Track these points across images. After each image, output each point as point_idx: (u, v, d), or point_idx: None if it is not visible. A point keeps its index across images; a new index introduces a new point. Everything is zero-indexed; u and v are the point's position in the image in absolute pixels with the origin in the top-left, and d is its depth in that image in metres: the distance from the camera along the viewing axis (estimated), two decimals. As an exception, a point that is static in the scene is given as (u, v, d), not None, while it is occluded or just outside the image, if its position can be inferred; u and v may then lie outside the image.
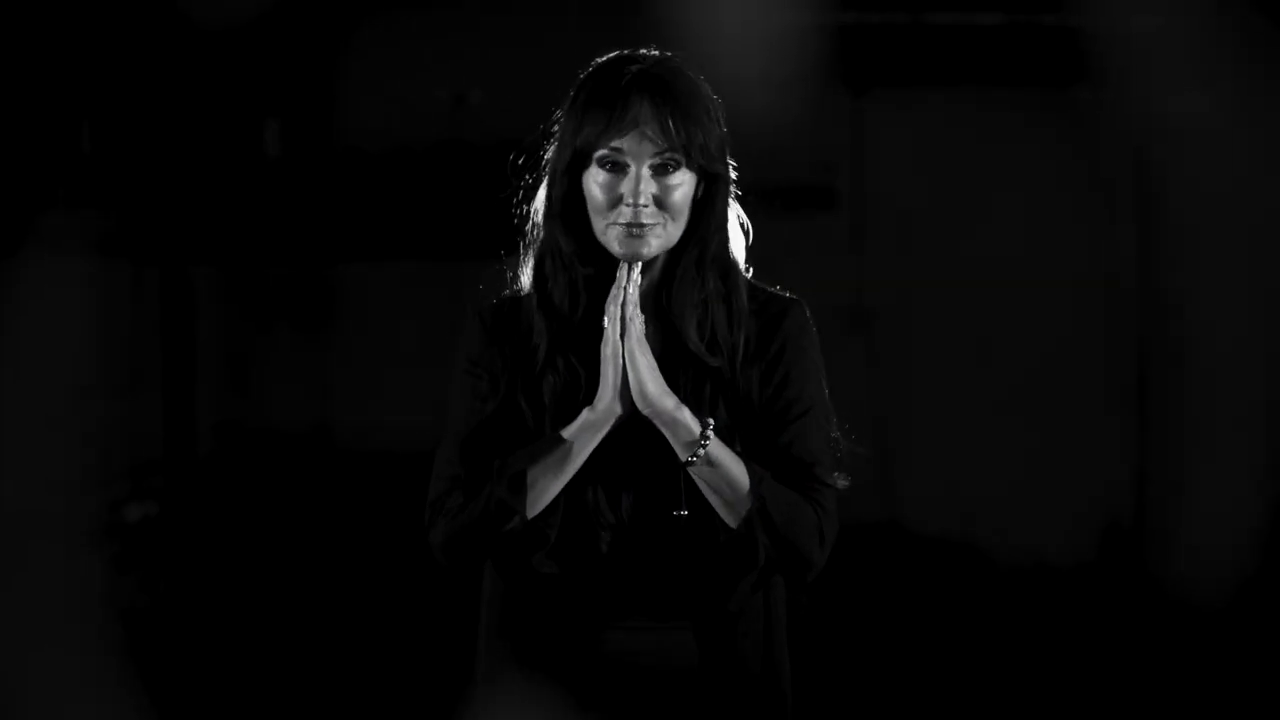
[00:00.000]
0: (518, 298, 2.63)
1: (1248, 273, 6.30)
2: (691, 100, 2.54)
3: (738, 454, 2.53)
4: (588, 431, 2.53)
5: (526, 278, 2.62)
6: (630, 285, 2.52)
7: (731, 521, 2.52)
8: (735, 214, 2.64)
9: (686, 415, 2.51)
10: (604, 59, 2.59)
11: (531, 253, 2.62)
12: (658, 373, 2.52)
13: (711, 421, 2.51)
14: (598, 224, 2.55)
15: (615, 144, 2.52)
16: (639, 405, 2.51)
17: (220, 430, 6.52)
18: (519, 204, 2.65)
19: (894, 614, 6.25)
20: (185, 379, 6.48)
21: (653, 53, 2.59)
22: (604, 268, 2.56)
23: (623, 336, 2.51)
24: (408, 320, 6.39)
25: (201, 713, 5.47)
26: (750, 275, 2.64)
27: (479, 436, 2.57)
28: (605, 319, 2.52)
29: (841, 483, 2.60)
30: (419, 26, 6.42)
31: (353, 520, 6.38)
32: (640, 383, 2.51)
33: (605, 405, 2.51)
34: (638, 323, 2.52)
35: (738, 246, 2.63)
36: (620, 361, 2.51)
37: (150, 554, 6.27)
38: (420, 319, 6.23)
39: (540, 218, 2.61)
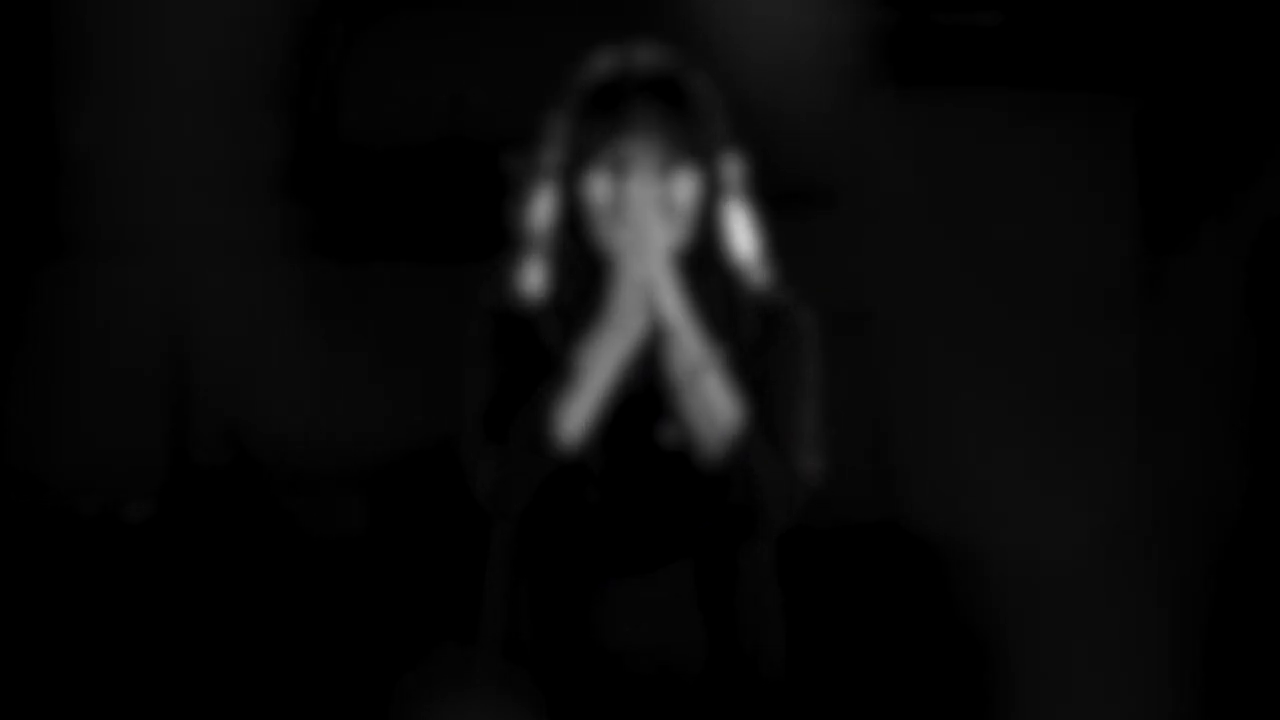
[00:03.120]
0: (526, 305, 2.63)
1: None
2: (692, 99, 2.55)
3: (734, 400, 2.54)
4: (609, 349, 2.53)
5: (531, 284, 2.62)
6: (651, 206, 2.52)
7: (711, 451, 2.52)
8: (741, 213, 2.64)
9: (691, 336, 2.52)
10: (599, 60, 2.59)
11: (535, 259, 2.62)
12: (674, 285, 2.52)
13: (719, 354, 2.52)
14: (603, 227, 2.55)
15: (617, 146, 2.52)
16: (657, 305, 2.51)
17: (220, 430, 6.51)
18: (518, 210, 2.65)
19: (894, 614, 6.24)
20: (185, 372, 6.48)
21: (650, 53, 2.59)
22: (611, 271, 2.56)
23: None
24: (407, 320, 6.39)
25: (198, 713, 5.47)
26: (765, 276, 2.64)
27: (507, 401, 2.57)
28: (626, 246, 2.52)
29: (814, 479, 2.60)
30: (419, 26, 6.42)
31: (352, 520, 6.37)
32: (658, 293, 2.52)
33: (624, 315, 2.51)
34: (658, 240, 2.52)
35: (750, 247, 2.64)
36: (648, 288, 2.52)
37: (150, 554, 6.26)
38: (420, 319, 6.23)
39: (542, 224, 2.61)
